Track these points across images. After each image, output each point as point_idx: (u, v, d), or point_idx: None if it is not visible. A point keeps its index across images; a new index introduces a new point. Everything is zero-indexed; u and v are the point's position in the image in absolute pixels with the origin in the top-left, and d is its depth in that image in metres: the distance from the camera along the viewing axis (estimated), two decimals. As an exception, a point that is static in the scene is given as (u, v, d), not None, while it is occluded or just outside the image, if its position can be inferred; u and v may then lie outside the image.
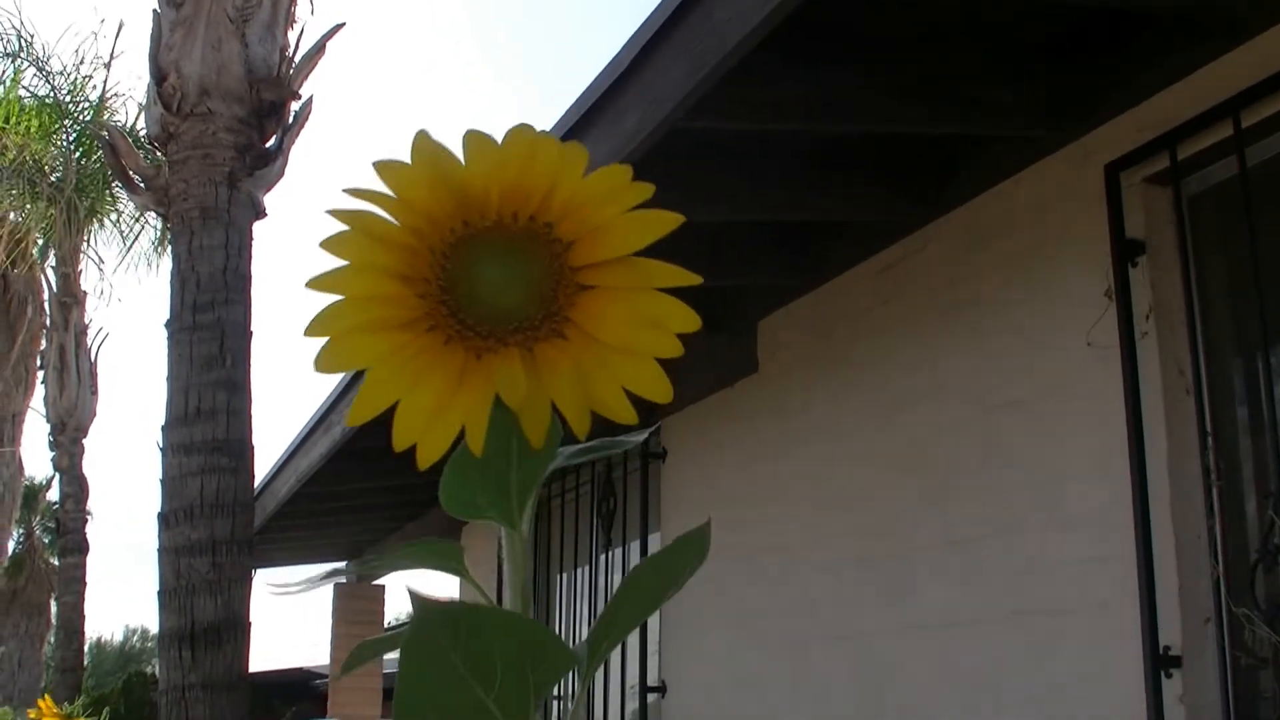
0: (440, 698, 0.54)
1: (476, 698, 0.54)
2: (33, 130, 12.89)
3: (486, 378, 0.55)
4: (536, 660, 0.55)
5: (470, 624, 0.54)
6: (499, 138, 0.54)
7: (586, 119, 3.46)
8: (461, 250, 0.55)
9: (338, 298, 0.55)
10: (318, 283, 0.54)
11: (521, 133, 0.54)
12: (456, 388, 0.55)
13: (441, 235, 0.55)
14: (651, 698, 5.58)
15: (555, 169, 0.55)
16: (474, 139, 0.54)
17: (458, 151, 0.54)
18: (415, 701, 0.54)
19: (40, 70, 13.16)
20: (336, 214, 0.54)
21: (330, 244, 0.54)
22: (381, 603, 11.70)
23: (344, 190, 0.55)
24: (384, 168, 0.53)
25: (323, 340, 0.55)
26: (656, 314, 0.57)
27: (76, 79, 13.26)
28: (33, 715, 2.90)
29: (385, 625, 12.67)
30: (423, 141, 0.53)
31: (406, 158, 0.54)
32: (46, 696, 2.97)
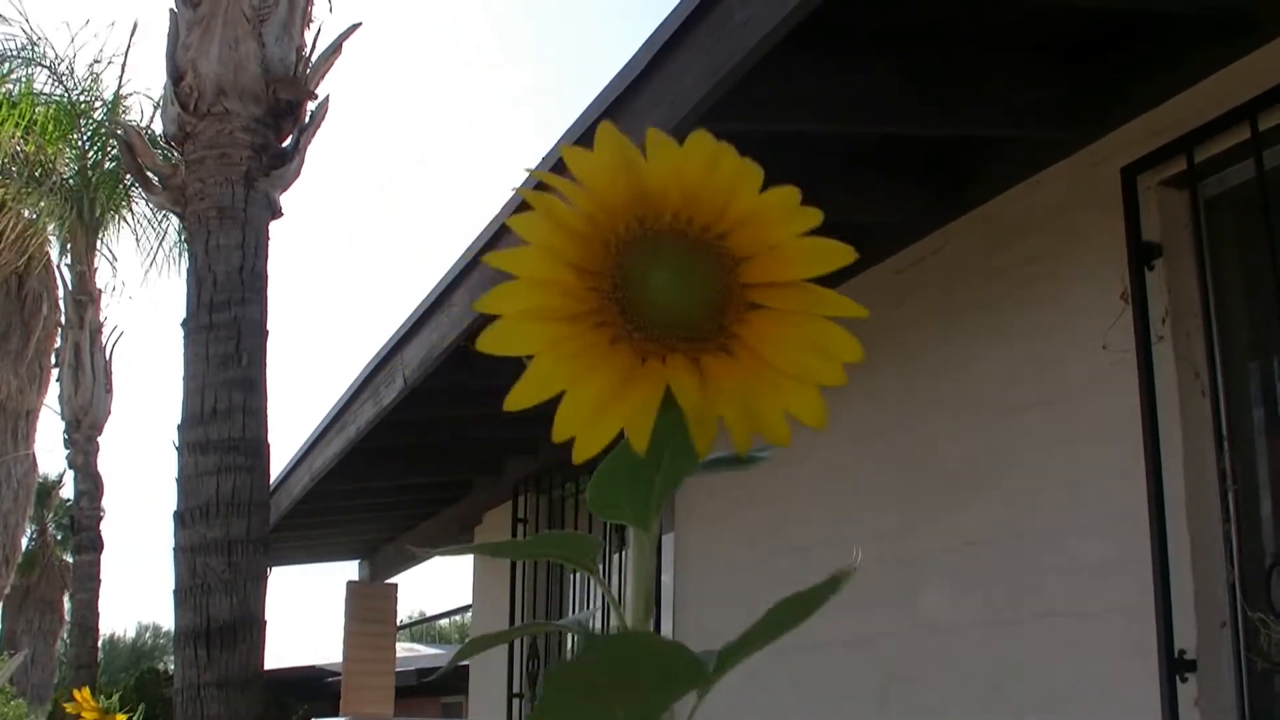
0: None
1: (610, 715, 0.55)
2: (48, 133, 12.92)
3: (654, 381, 0.54)
4: (666, 679, 0.56)
5: (625, 664, 0.55)
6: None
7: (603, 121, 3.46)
8: (635, 249, 0.55)
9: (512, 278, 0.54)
10: (499, 258, 0.54)
11: (703, 138, 0.54)
12: (621, 388, 0.54)
13: (617, 229, 0.55)
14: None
15: (734, 180, 0.55)
16: (657, 137, 0.53)
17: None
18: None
19: (53, 73, 13.20)
20: (522, 192, 0.55)
21: (516, 222, 0.54)
22: (394, 601, 11.72)
23: (527, 169, 0.56)
24: (570, 152, 0.54)
25: (492, 317, 0.54)
26: (826, 342, 0.57)
27: (91, 79, 13.30)
28: (70, 709, 2.92)
29: (398, 624, 12.69)
30: (608, 131, 0.53)
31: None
32: (85, 689, 2.98)
